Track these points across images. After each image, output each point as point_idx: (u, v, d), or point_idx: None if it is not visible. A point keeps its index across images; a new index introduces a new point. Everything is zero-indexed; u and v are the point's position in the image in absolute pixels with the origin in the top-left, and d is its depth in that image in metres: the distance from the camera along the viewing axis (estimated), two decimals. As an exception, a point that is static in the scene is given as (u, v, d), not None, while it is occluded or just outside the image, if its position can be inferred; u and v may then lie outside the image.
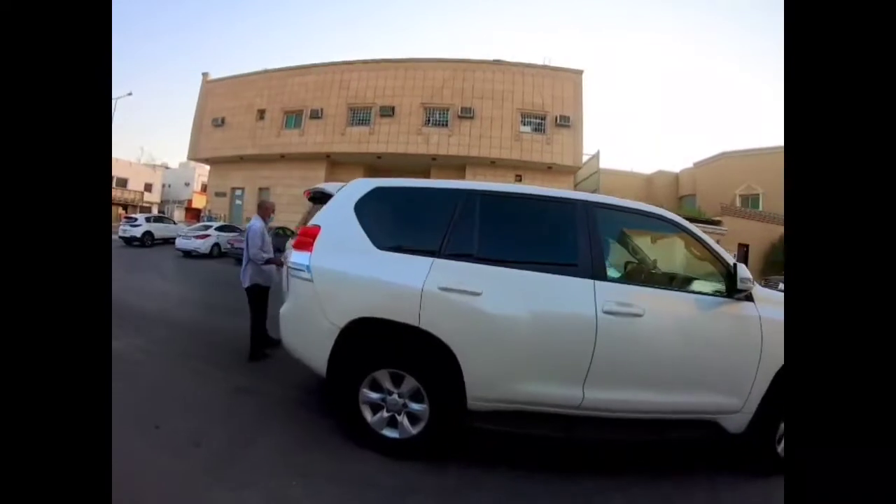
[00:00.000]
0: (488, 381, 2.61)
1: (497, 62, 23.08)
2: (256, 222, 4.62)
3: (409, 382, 2.75)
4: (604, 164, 27.00)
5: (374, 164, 24.31)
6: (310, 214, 3.54)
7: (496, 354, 2.58)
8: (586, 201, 2.93)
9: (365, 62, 23.66)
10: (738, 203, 27.89)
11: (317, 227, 3.00)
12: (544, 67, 22.91)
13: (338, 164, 23.92)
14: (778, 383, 2.82)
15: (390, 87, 22.84)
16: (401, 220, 3.05)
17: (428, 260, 2.72)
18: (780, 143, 30.20)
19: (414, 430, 2.75)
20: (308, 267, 2.88)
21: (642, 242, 3.69)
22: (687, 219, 3.26)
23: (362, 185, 3.16)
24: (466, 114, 22.30)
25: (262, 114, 24.52)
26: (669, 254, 3.51)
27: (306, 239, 2.99)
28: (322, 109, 23.00)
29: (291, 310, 3.05)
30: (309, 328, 2.94)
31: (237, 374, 4.09)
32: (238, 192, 25.64)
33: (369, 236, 2.89)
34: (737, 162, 30.14)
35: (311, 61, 25.13)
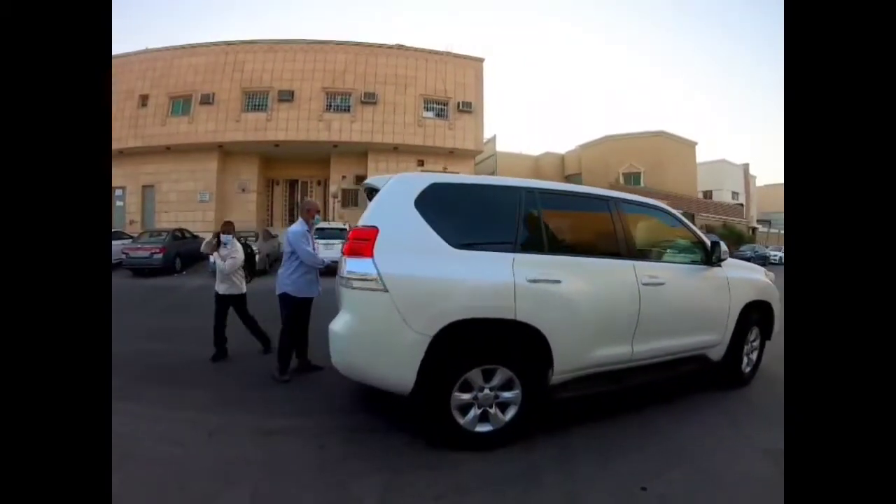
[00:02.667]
0: (571, 355, 3.08)
1: (400, 47, 23.02)
2: (298, 227, 4.34)
3: (501, 374, 2.89)
4: (499, 147, 28.91)
5: (271, 154, 23.03)
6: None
7: (577, 330, 3.06)
8: (616, 198, 3.63)
9: (262, 42, 22.02)
10: (621, 181, 31.74)
11: (373, 229, 2.81)
12: (447, 54, 23.38)
13: (231, 155, 22.22)
14: (739, 321, 3.99)
15: (289, 70, 21.59)
16: (468, 217, 3.04)
17: (509, 255, 2.93)
18: (659, 128, 34.86)
19: (506, 417, 2.92)
20: (378, 274, 2.69)
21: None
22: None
23: (416, 181, 3.05)
24: (370, 99, 22.07)
25: (144, 100, 21.59)
26: (649, 234, 4.39)
27: (362, 242, 2.79)
28: (214, 94, 21.01)
29: (355, 326, 2.80)
30: (388, 344, 2.75)
31: (272, 412, 3.45)
32: (118, 193, 22.32)
33: (441, 235, 2.83)
34: (619, 143, 34.62)
35: (200, 40, 22.84)
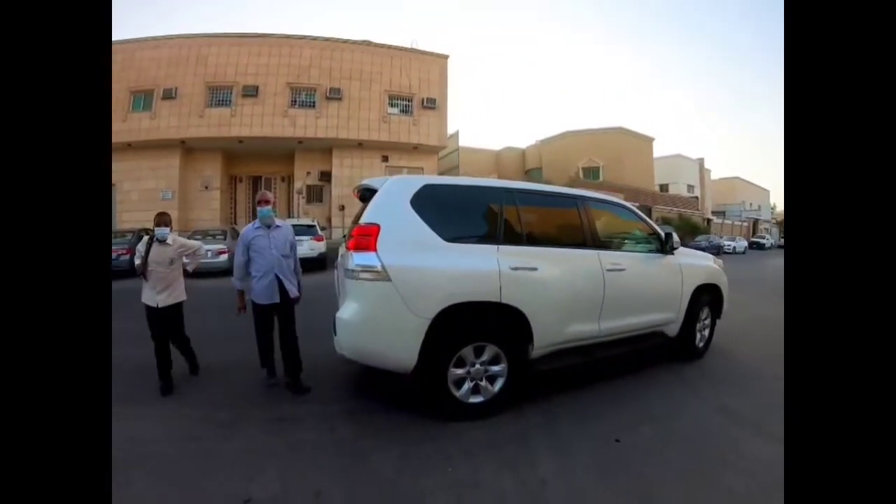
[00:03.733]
0: (548, 332, 3.53)
1: (366, 43, 23.02)
2: (249, 226, 3.98)
3: (489, 350, 3.29)
4: (461, 142, 29.42)
5: (234, 150, 22.58)
6: (361, 213, 3.60)
7: (552, 310, 3.53)
8: (583, 196, 4.13)
9: (226, 36, 21.43)
10: (581, 175, 32.88)
11: (375, 226, 3.09)
12: (412, 51, 23.49)
13: (194, 151, 21.68)
14: (691, 301, 4.60)
15: (254, 64, 21.15)
16: (457, 215, 3.40)
17: (493, 247, 3.35)
18: (618, 124, 36.24)
19: (495, 389, 3.33)
20: (382, 266, 3.01)
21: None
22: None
23: (411, 182, 3.38)
24: (335, 95, 21.96)
25: (103, 95, 20.87)
26: (611, 227, 4.87)
27: (366, 238, 3.08)
28: (177, 89, 20.35)
29: (363, 313, 3.08)
30: (393, 328, 3.06)
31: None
32: (76, 193, 21.53)
33: (434, 230, 3.17)
34: (579, 139, 35.92)
35: (163, 32, 22.00)
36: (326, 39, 22.54)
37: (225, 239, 12.40)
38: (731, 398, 3.82)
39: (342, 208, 22.18)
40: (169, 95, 20.49)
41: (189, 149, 21.67)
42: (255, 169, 24.40)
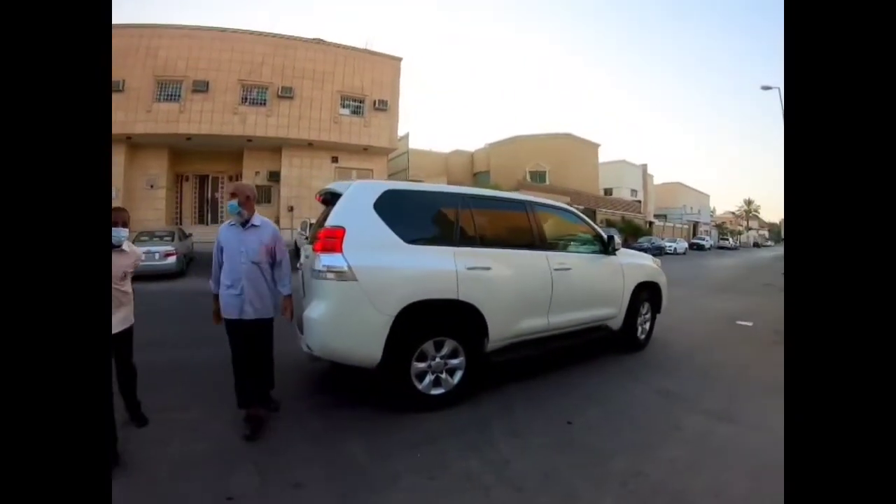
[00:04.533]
0: (501, 327, 3.81)
1: (319, 41, 22.73)
2: (224, 225, 3.40)
3: (448, 345, 3.53)
4: (411, 144, 29.64)
5: (182, 147, 21.67)
6: (324, 216, 3.75)
7: (504, 307, 3.80)
8: (531, 201, 4.49)
9: (178, 27, 20.49)
10: (528, 179, 33.86)
11: (341, 229, 3.23)
12: (365, 51, 23.37)
13: (140, 148, 20.61)
14: (632, 298, 5.04)
15: (205, 58, 20.33)
16: (417, 218, 3.63)
17: (450, 248, 3.58)
18: (565, 129, 37.42)
19: (454, 381, 3.56)
20: (349, 267, 3.15)
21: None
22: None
23: (374, 187, 3.55)
24: (286, 93, 21.54)
25: (44, 87, 19.37)
26: (558, 229, 5.17)
27: (332, 240, 3.21)
28: (124, 81, 19.17)
29: (331, 312, 3.18)
30: (359, 325, 3.20)
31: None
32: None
33: (396, 233, 3.36)
34: (527, 143, 37.07)
35: (113, 21, 20.69)
36: (279, 36, 22.06)
37: (172, 240, 11.99)
38: (669, 382, 4.29)
39: (291, 209, 21.81)
40: (116, 88, 19.19)
41: (135, 145, 20.60)
42: (202, 167, 23.57)
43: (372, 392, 3.68)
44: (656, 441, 3.11)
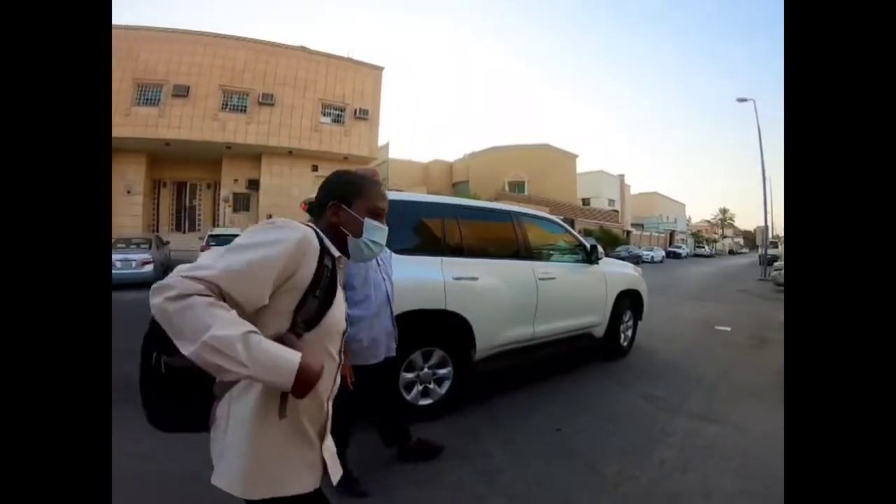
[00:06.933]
0: (488, 336, 3.82)
1: (302, 49, 22.71)
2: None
3: (436, 355, 3.51)
4: (391, 153, 29.64)
5: (160, 153, 21.41)
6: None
7: (491, 316, 3.82)
8: (517, 212, 4.55)
9: (160, 30, 20.36)
10: (507, 189, 34.21)
11: None
12: (348, 60, 23.47)
13: (117, 153, 19.99)
14: (615, 305, 5.12)
15: (186, 63, 20.18)
16: (404, 229, 3.53)
17: (437, 259, 3.57)
18: (544, 141, 37.67)
19: (442, 391, 3.54)
20: None
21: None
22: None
23: None
24: (267, 100, 21.50)
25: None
26: (542, 240, 5.12)
27: None
28: None
29: None
30: None
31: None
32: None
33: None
34: (506, 154, 37.60)
35: None
36: (262, 42, 22.04)
37: (150, 248, 11.72)
38: (653, 386, 4.37)
39: (270, 217, 21.61)
40: (95, 90, 18.96)
41: (112, 149, 20.17)
42: (180, 174, 23.27)
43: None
44: (645, 444, 3.17)
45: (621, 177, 48.22)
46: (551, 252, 4.90)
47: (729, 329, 7.71)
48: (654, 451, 3.07)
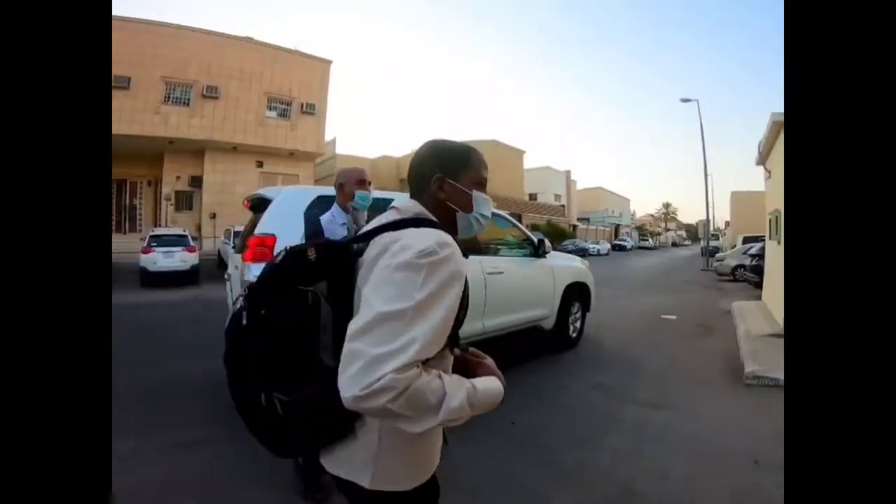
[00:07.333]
0: None
1: (249, 40, 21.83)
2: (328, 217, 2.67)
3: None
4: (338, 149, 29.19)
5: (92, 149, 20.22)
6: (253, 223, 3.60)
7: None
8: None
9: None
10: None
11: (271, 236, 3.11)
12: (296, 53, 22.82)
13: None
14: (563, 298, 5.22)
15: (127, 52, 18.65)
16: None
17: None
18: (491, 136, 38.09)
19: None
20: None
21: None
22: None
23: (304, 193, 3.43)
24: (212, 93, 20.59)
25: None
26: (490, 234, 5.23)
27: (263, 249, 3.07)
28: None
29: None
30: None
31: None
32: None
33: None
34: None
35: None
36: (208, 32, 20.98)
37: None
38: (604, 376, 4.50)
39: (213, 216, 20.77)
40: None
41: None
42: (119, 171, 21.83)
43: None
44: (598, 433, 3.26)
45: (568, 172, 49.53)
46: (499, 247, 4.93)
47: (675, 318, 8.05)
48: (608, 439, 3.16)
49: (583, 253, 26.61)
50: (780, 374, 4.32)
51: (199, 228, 20.99)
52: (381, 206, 3.63)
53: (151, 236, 12.82)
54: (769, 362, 4.70)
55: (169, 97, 20.12)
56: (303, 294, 0.93)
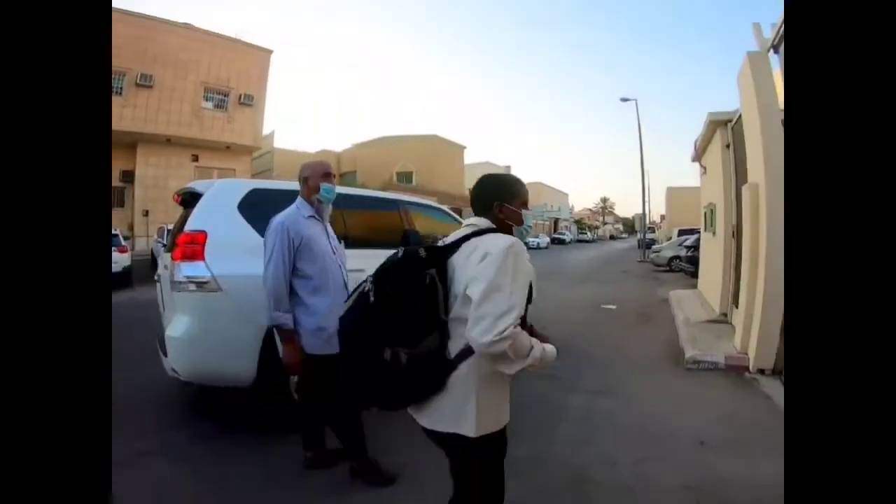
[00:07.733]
0: None
1: (187, 26, 20.51)
2: (283, 216, 2.48)
3: None
4: (276, 143, 28.25)
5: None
6: (183, 219, 3.34)
7: None
8: (402, 200, 4.41)
9: None
10: (395, 179, 34.20)
11: (202, 233, 2.90)
12: (235, 41, 21.66)
13: None
14: None
15: None
16: None
17: None
18: (432, 131, 37.98)
19: None
20: (212, 276, 2.81)
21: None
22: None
23: (237, 186, 3.25)
24: (146, 82, 19.25)
25: None
26: (429, 227, 4.90)
27: (193, 247, 2.86)
28: None
29: (196, 328, 2.85)
30: (228, 340, 2.88)
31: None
32: None
33: (262, 235, 2.72)
34: (394, 144, 37.47)
35: None
36: (143, 16, 19.38)
37: None
38: (551, 368, 4.45)
39: (146, 214, 19.55)
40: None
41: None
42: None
43: (252, 412, 3.30)
44: (549, 422, 3.30)
45: (507, 168, 50.34)
46: (439, 240, 4.80)
47: (614, 307, 8.35)
48: (558, 428, 3.22)
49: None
50: (719, 358, 4.56)
51: (131, 227, 19.67)
52: (337, 200, 3.53)
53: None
54: (708, 347, 4.96)
55: (100, 85, 18.68)
56: (423, 276, 1.36)
